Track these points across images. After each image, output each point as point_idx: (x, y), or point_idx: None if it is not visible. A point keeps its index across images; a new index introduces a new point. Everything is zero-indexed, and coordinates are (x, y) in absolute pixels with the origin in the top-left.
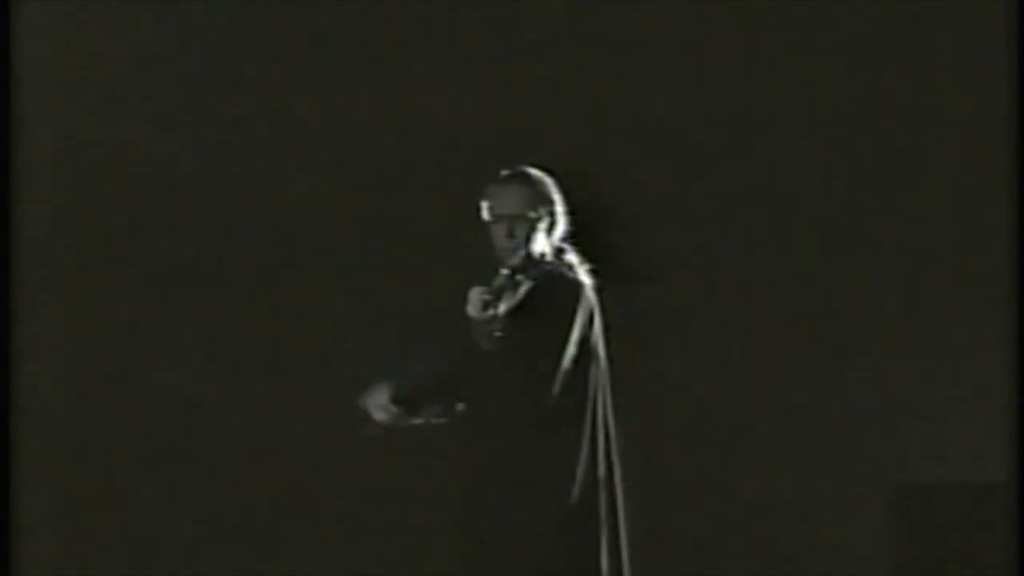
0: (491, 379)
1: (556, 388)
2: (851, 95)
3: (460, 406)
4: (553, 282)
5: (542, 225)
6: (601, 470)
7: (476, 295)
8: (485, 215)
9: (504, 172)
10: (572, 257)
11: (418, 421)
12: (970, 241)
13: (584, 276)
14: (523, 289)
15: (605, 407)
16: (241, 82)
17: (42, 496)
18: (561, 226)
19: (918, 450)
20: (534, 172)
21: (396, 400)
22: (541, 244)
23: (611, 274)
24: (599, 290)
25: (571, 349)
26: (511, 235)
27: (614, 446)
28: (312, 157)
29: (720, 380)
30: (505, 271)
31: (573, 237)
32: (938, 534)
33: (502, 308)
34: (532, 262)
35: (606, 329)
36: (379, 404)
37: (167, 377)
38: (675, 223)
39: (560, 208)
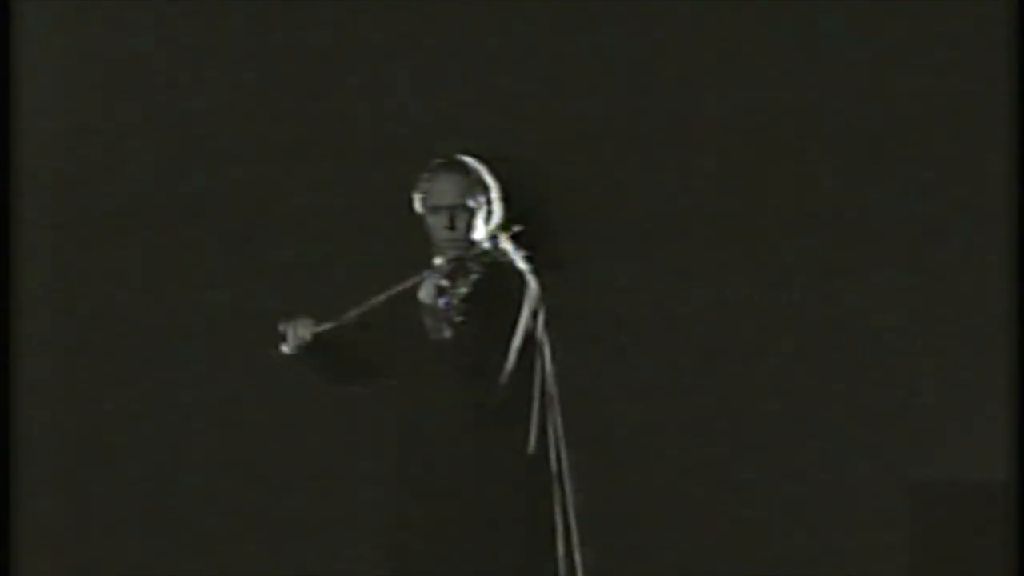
0: (436, 369)
1: (504, 379)
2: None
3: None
4: (496, 271)
5: (481, 214)
6: (554, 462)
7: (429, 282)
8: (418, 206)
9: (436, 161)
10: (506, 244)
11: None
12: (971, 241)
13: (520, 263)
14: (473, 277)
15: (550, 397)
16: (240, 81)
17: (42, 496)
18: (497, 213)
19: (918, 450)
20: (469, 160)
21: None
22: (480, 233)
23: (547, 261)
24: (537, 275)
25: (518, 339)
26: (452, 226)
27: (562, 437)
28: (311, 155)
29: (704, 378)
30: (444, 260)
31: (508, 224)
32: (938, 534)
33: (461, 292)
34: (474, 251)
35: (548, 318)
36: (300, 334)
37: (167, 377)
38: (640, 207)
39: (495, 195)
